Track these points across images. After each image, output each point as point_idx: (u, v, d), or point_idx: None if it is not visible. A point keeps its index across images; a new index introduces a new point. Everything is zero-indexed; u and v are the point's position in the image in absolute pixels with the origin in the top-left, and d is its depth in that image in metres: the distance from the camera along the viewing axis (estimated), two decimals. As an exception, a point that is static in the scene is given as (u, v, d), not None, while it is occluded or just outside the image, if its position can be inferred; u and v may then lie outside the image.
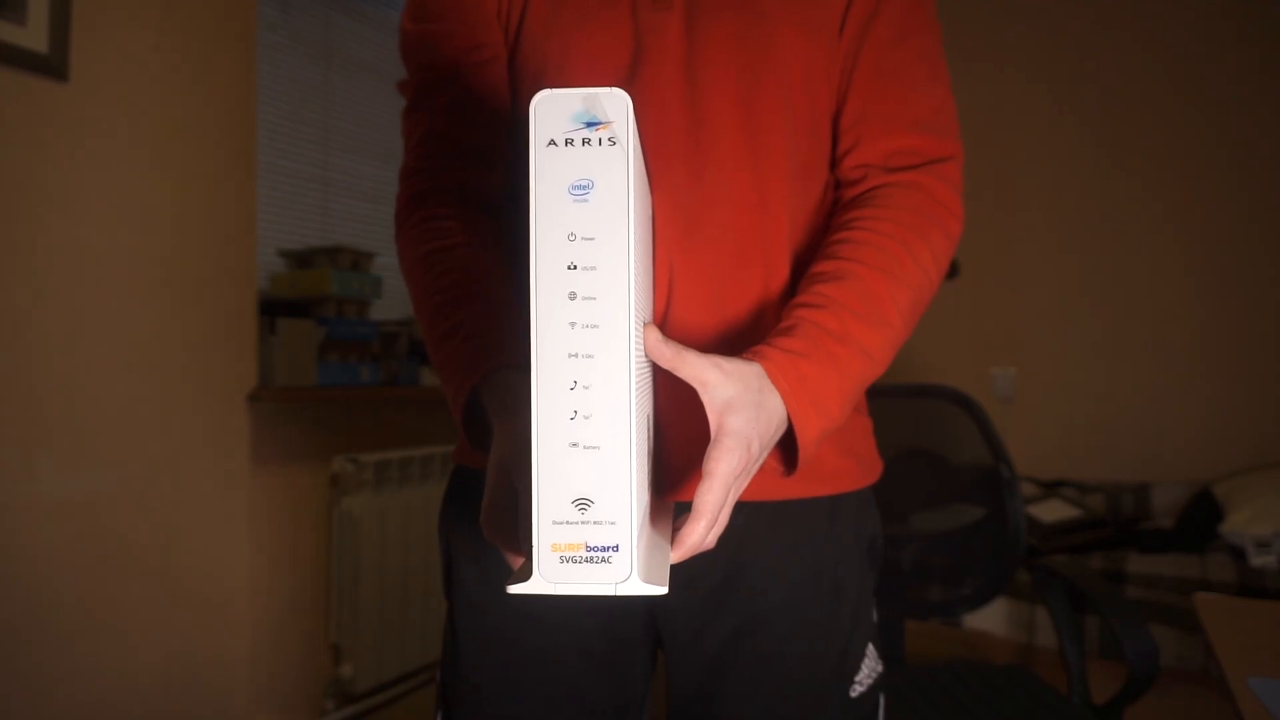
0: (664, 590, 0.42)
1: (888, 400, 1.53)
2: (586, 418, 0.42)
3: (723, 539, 0.67)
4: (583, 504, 0.41)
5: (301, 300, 2.12)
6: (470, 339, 0.61)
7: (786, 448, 0.60)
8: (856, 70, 0.69)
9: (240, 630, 1.88)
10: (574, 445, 0.41)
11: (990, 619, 2.30)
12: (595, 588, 0.41)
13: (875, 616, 0.74)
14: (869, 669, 0.71)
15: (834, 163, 0.72)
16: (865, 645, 0.71)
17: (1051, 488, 2.72)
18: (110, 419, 1.62)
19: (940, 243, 0.67)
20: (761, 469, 0.63)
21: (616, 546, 0.41)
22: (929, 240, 0.66)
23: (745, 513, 0.68)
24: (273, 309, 2.02)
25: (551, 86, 0.58)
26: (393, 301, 2.54)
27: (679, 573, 0.68)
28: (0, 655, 1.45)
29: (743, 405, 0.51)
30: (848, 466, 0.72)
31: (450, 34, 0.71)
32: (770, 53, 0.66)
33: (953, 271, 3.17)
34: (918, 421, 1.54)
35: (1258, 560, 2.11)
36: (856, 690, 0.69)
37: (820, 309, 0.60)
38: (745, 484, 0.53)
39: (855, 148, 0.69)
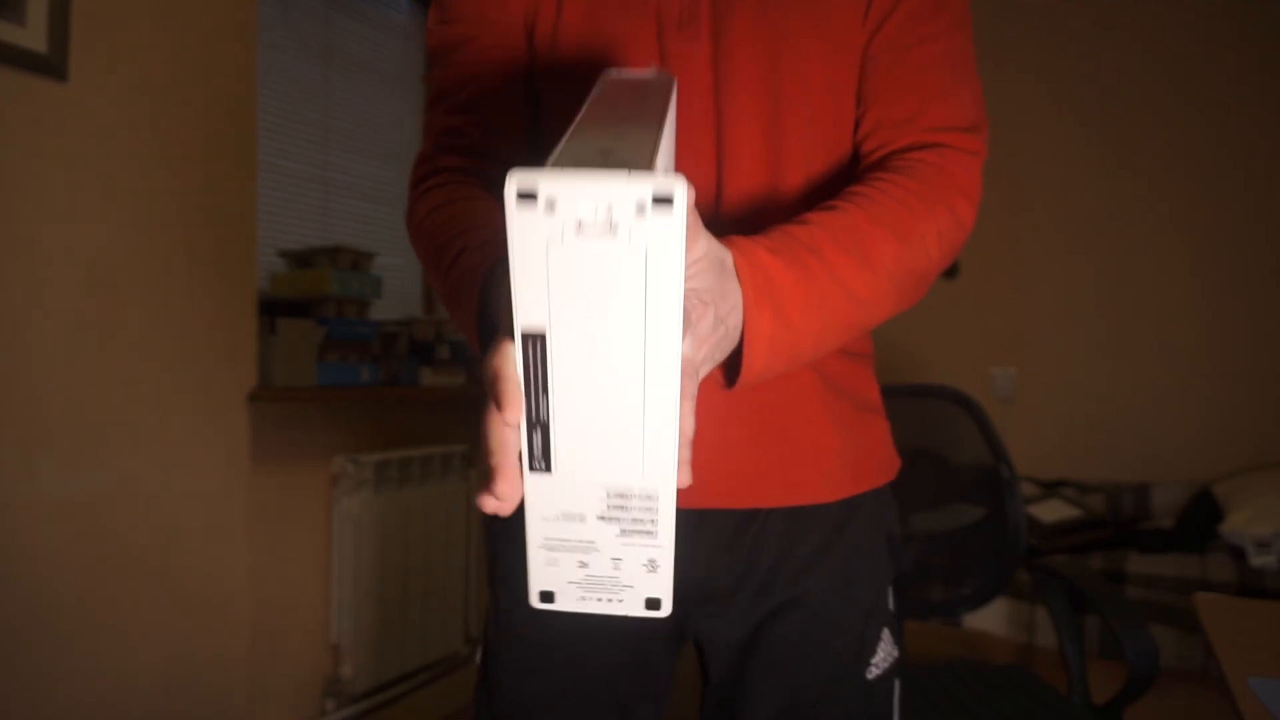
0: None
1: (888, 400, 1.53)
2: None
3: (738, 536, 0.70)
4: None
5: (301, 300, 2.12)
6: (471, 252, 0.60)
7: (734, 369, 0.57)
8: (875, 76, 0.68)
9: (240, 630, 1.88)
10: None
11: (990, 619, 2.30)
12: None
13: (893, 605, 0.76)
14: (885, 653, 0.73)
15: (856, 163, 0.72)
16: (881, 630, 0.73)
17: (1051, 488, 2.72)
18: (110, 419, 1.62)
19: (946, 220, 0.65)
20: (748, 465, 0.65)
21: None
22: (934, 214, 0.64)
23: (760, 517, 0.70)
24: (273, 309, 2.02)
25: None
26: (393, 301, 2.54)
27: (699, 571, 0.70)
28: (0, 655, 1.45)
29: (708, 266, 0.48)
30: (865, 467, 0.74)
31: (473, 37, 0.72)
32: (795, 83, 0.66)
33: (953, 271, 3.16)
34: (918, 421, 1.54)
35: (1258, 560, 2.11)
36: (873, 673, 0.72)
37: (799, 224, 0.59)
38: (711, 355, 0.50)
39: (874, 152, 0.69)
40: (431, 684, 2.31)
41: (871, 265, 0.59)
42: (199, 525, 1.78)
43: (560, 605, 0.43)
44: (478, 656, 0.80)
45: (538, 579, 0.43)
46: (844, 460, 0.71)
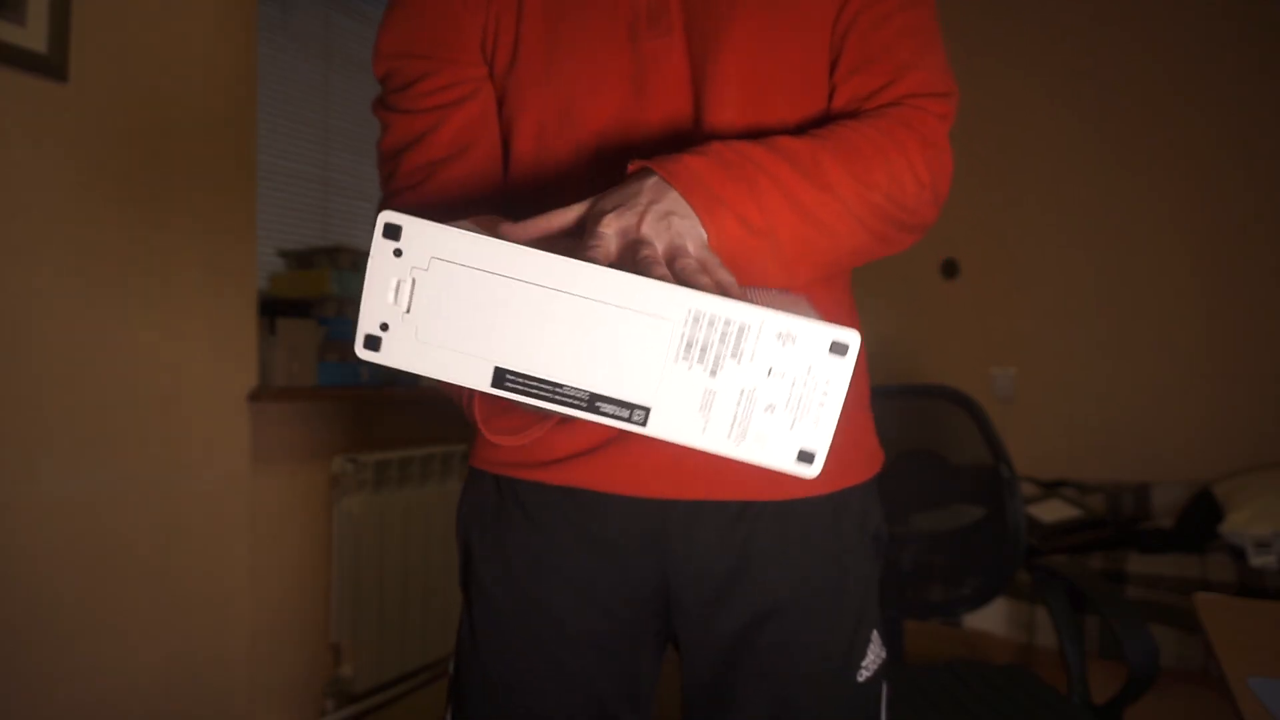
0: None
1: (888, 400, 1.53)
2: None
3: (729, 533, 0.69)
4: None
5: (301, 300, 2.12)
6: None
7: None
8: (846, 52, 0.67)
9: (240, 630, 1.88)
10: None
11: (990, 619, 2.29)
12: None
13: (879, 606, 0.76)
14: (874, 655, 0.73)
15: None
16: (870, 632, 0.73)
17: (1051, 488, 2.72)
18: (110, 419, 1.62)
19: (917, 155, 0.63)
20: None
21: None
22: (904, 149, 0.63)
23: (751, 513, 0.69)
24: (273, 309, 2.02)
25: (557, 137, 0.63)
26: (393, 301, 2.54)
27: (687, 571, 0.70)
28: (0, 655, 1.45)
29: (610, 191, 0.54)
30: (852, 460, 0.73)
31: (427, 74, 0.69)
32: (773, 68, 0.66)
33: (953, 271, 3.17)
34: (918, 421, 1.54)
35: (1257, 560, 2.11)
36: (863, 675, 0.72)
37: (734, 140, 0.60)
38: (644, 220, 0.52)
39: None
40: (431, 684, 2.31)
41: (826, 185, 0.59)
42: (199, 525, 1.78)
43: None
44: (450, 666, 0.77)
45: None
46: (832, 451, 0.71)
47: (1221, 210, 2.73)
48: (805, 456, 0.41)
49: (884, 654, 0.74)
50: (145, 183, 1.67)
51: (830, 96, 0.68)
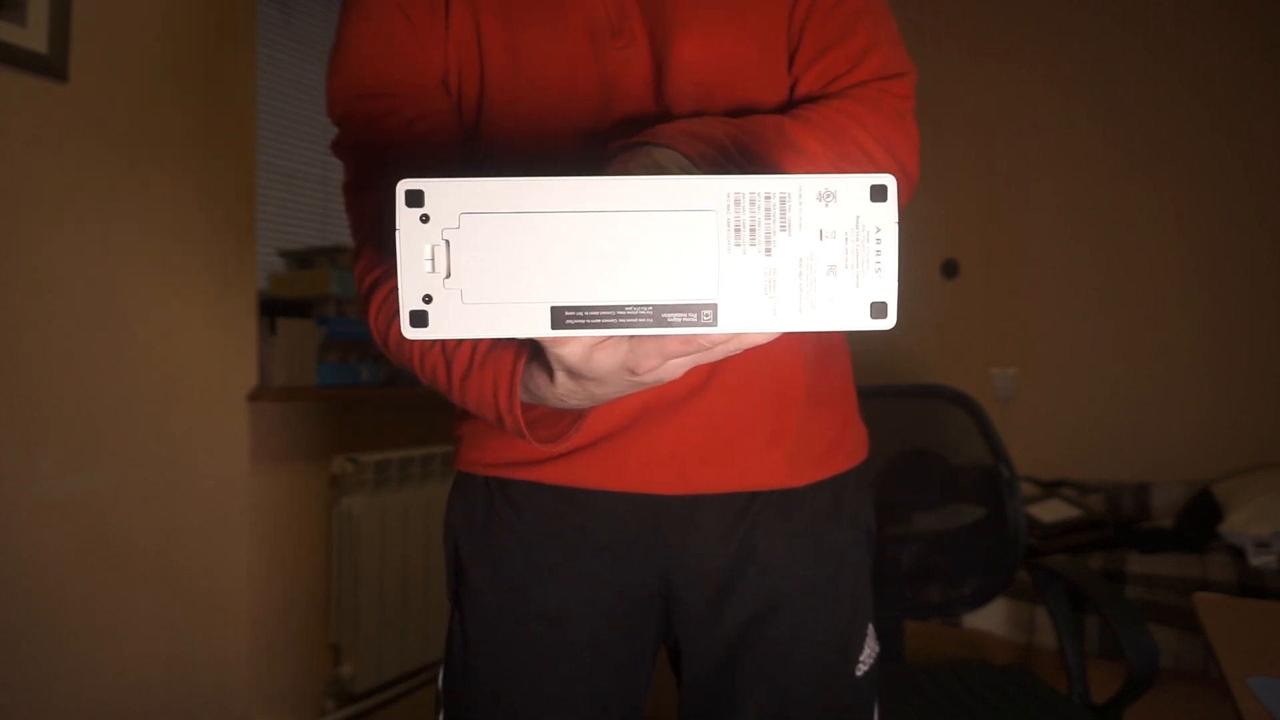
0: None
1: (888, 400, 1.53)
2: None
3: (732, 529, 0.69)
4: None
5: (301, 300, 2.12)
6: (489, 354, 0.55)
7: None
8: (803, 44, 0.68)
9: (240, 630, 1.88)
10: None
11: (990, 619, 2.29)
12: None
13: (871, 599, 0.77)
14: (870, 650, 0.74)
15: None
16: (866, 626, 0.74)
17: (1051, 488, 2.72)
18: (110, 419, 1.62)
19: (881, 132, 0.63)
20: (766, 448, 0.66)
21: None
22: (866, 126, 0.63)
23: (757, 506, 0.70)
24: (273, 309, 2.02)
25: (533, 159, 0.62)
26: (393, 301, 2.54)
27: (689, 569, 0.70)
28: (0, 655, 1.45)
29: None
30: (843, 440, 0.75)
31: (391, 111, 0.66)
32: (734, 73, 0.66)
33: (953, 271, 3.16)
34: (918, 421, 1.54)
35: (1257, 560, 2.11)
36: (861, 669, 0.72)
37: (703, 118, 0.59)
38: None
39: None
40: (431, 684, 2.31)
41: (785, 137, 0.59)
42: (199, 525, 1.78)
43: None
44: (439, 681, 0.76)
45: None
46: (825, 430, 0.73)
47: (1221, 210, 2.73)
48: (878, 310, 0.40)
49: (877, 648, 0.75)
50: (145, 183, 1.67)
51: (793, 89, 0.69)
